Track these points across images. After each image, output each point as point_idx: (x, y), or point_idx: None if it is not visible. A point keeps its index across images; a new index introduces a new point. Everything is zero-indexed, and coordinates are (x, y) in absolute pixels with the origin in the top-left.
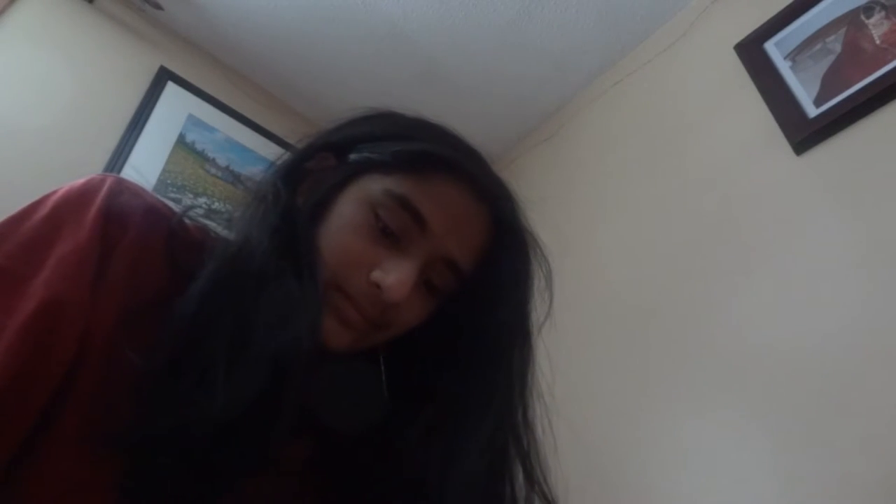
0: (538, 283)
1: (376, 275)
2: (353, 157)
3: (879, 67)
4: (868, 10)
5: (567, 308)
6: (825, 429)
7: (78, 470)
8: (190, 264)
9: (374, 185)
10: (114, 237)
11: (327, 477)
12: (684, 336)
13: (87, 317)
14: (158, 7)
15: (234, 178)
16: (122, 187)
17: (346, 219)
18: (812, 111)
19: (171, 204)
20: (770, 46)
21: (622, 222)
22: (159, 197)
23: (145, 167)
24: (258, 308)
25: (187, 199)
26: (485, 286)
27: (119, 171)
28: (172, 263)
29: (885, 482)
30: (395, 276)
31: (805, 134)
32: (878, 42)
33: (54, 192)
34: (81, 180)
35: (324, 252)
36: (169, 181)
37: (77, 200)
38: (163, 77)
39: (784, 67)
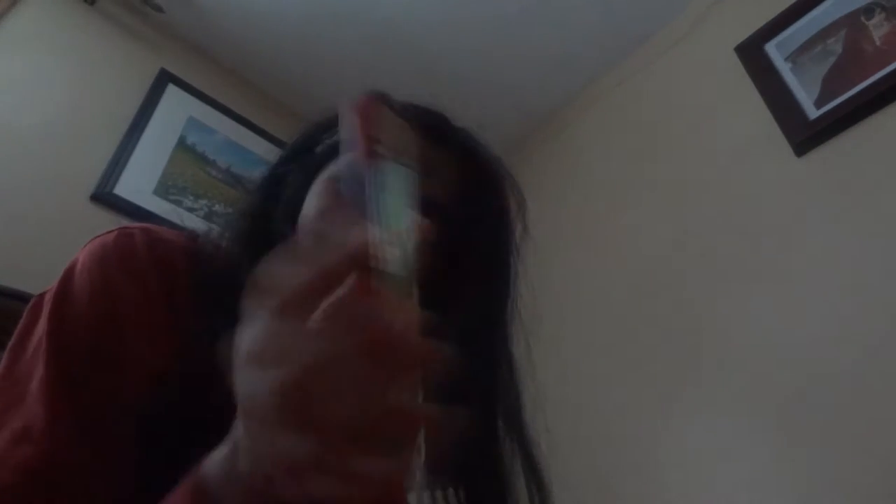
0: (513, 208)
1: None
2: (318, 149)
3: (880, 69)
4: (868, 11)
5: (567, 308)
6: (826, 429)
7: None
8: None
9: (335, 165)
10: (168, 287)
11: None
12: (684, 337)
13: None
14: (159, 9)
15: (235, 181)
16: (153, 239)
17: (312, 195)
18: (813, 112)
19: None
20: (771, 48)
21: (622, 223)
22: (181, 233)
23: (146, 169)
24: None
25: (188, 202)
26: (464, 223)
27: (119, 173)
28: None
29: (886, 482)
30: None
31: (806, 135)
32: (878, 44)
33: (89, 257)
34: (111, 237)
35: (298, 230)
36: (170, 183)
37: (121, 263)
38: (163, 79)
39: (785, 69)
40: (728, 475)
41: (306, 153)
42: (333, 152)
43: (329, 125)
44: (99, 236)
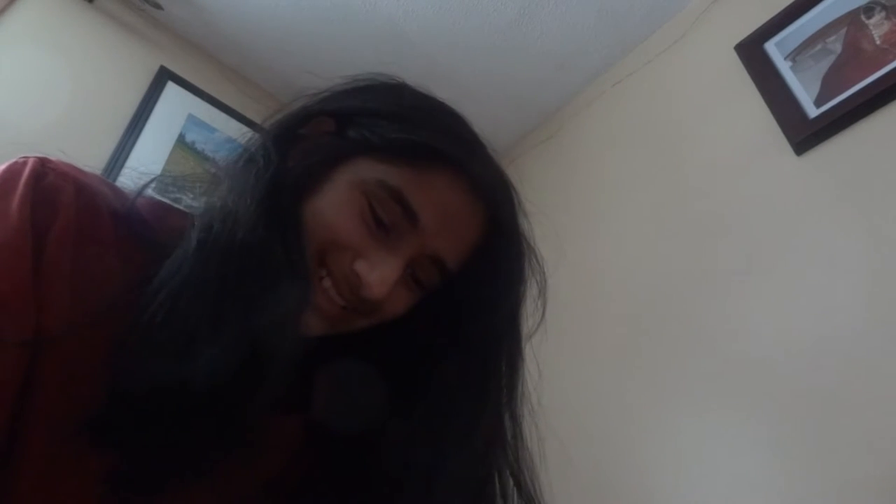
0: (531, 290)
1: (360, 266)
2: (350, 132)
3: (880, 68)
4: (868, 10)
5: (565, 308)
6: (825, 429)
7: (59, 464)
8: (145, 239)
9: (369, 173)
10: (44, 223)
11: (314, 460)
12: (684, 337)
13: (36, 309)
14: (158, 7)
15: None
16: (47, 168)
17: (337, 198)
18: (812, 111)
19: (117, 180)
20: (770, 47)
21: (622, 222)
22: (94, 173)
23: (145, 167)
24: (244, 283)
25: (187, 199)
26: (474, 288)
27: (118, 170)
28: (121, 240)
29: (886, 482)
30: (379, 273)
31: (806, 134)
32: (878, 42)
33: None
34: (1, 166)
35: (311, 226)
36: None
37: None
38: (163, 77)
39: (784, 68)
40: (724, 475)
41: (336, 123)
42: (367, 146)
43: (371, 113)
44: None
